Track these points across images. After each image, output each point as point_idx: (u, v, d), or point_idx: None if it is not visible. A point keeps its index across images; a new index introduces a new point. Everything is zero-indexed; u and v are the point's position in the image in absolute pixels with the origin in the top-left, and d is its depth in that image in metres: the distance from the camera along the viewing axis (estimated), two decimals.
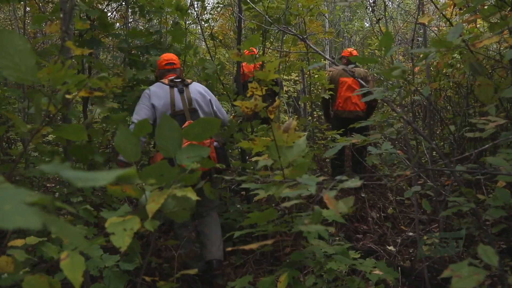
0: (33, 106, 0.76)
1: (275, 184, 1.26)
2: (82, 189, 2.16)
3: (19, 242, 1.18)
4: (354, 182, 1.02)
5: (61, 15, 2.31)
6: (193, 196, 0.75)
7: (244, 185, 1.45)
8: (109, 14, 4.11)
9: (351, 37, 9.67)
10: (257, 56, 4.27)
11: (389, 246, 3.38)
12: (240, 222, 3.34)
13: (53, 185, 4.24)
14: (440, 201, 2.36)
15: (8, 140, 4.01)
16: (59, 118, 2.57)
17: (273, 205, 4.02)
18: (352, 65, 2.05)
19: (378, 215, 3.99)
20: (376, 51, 8.45)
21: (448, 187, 2.38)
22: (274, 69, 1.10)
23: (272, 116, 1.21)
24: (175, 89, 2.78)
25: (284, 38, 4.58)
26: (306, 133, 1.23)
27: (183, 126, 2.44)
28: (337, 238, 3.43)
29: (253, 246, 0.90)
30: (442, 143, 4.71)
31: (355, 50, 4.97)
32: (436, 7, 2.44)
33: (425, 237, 2.75)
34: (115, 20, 5.60)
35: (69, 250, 0.76)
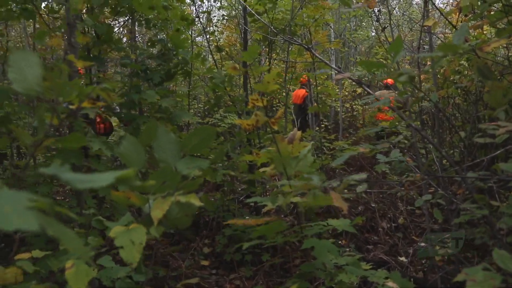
0: (36, 119, 0.76)
1: (282, 194, 1.25)
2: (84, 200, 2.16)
3: (25, 255, 1.17)
4: (362, 188, 1.00)
5: (65, 29, 2.35)
6: (196, 202, 0.74)
7: (250, 200, 1.43)
8: (115, 29, 4.17)
9: (356, 46, 9.69)
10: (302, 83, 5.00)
11: (400, 257, 3.31)
12: (249, 234, 3.30)
13: (62, 198, 4.26)
14: (452, 210, 2.31)
15: (19, 153, 4.05)
16: (68, 131, 2.59)
17: (283, 216, 3.98)
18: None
19: (388, 225, 3.93)
20: (381, 60, 8.43)
21: (460, 196, 2.33)
22: (273, 80, 1.09)
23: (275, 127, 1.20)
24: None
25: (291, 49, 4.60)
26: (311, 143, 1.21)
27: None
28: (348, 249, 3.38)
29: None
30: (452, 151, 4.65)
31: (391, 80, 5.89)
32: (441, 13, 2.43)
33: (437, 247, 2.69)
34: (123, 35, 5.67)
35: (75, 259, 0.76)
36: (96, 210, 2.03)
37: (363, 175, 0.88)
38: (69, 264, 0.74)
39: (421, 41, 3.45)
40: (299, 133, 1.23)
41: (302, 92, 6.75)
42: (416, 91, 1.41)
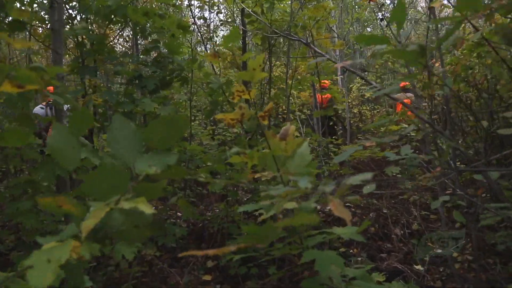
0: None
1: (278, 199, 1.08)
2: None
3: None
4: (370, 189, 0.82)
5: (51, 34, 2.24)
6: (147, 209, 0.56)
7: (241, 209, 1.28)
8: (111, 38, 4.08)
9: (361, 48, 9.54)
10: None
11: (416, 265, 3.10)
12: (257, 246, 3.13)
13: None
14: (472, 213, 2.11)
15: (15, 169, 3.94)
16: None
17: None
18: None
19: (402, 232, 3.72)
20: (389, 63, 8.28)
21: (479, 196, 2.14)
22: (259, 67, 0.93)
23: (265, 123, 1.04)
24: None
25: (292, 52, 4.46)
26: (308, 139, 1.05)
27: None
28: (360, 259, 3.19)
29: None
30: (469, 151, 4.43)
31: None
32: (450, 2, 2.27)
33: (455, 254, 2.48)
34: (121, 44, 5.61)
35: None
36: None
37: (367, 175, 0.70)
38: None
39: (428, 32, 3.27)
40: (292, 127, 1.07)
41: (325, 95, 6.58)
42: (428, 75, 1.24)
